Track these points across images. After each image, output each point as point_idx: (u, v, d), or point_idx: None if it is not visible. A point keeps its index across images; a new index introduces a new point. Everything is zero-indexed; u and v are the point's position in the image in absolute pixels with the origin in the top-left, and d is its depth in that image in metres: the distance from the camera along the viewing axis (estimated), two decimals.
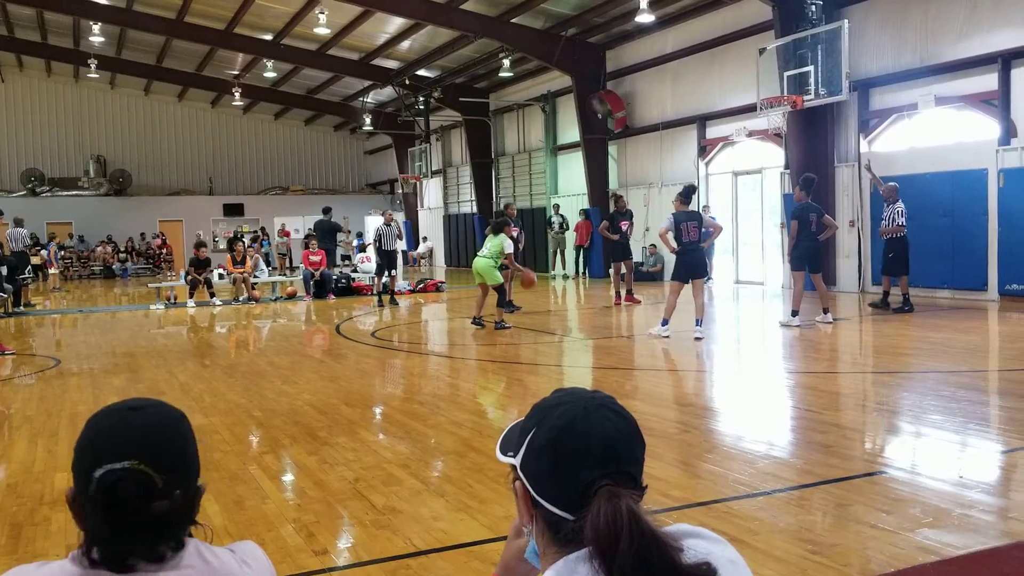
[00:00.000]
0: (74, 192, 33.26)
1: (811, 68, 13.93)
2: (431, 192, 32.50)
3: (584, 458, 1.14)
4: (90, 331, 13.40)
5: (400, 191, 33.98)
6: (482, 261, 11.63)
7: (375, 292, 16.77)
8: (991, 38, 12.65)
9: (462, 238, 29.40)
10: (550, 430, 1.18)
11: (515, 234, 14.10)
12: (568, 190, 23.35)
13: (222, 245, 30.54)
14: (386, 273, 16.39)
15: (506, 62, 21.78)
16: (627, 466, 1.15)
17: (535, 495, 1.18)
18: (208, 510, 4.19)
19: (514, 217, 14.61)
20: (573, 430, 1.16)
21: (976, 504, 3.99)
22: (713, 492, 4.37)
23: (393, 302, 16.19)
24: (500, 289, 11.81)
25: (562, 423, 1.18)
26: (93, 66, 27.75)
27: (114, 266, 30.87)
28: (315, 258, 18.12)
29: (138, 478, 1.25)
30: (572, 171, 23.05)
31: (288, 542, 3.82)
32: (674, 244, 10.16)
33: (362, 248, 21.01)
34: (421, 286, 19.30)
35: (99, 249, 31.37)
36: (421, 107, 27.47)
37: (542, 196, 24.38)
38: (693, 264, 10.07)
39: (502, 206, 15.23)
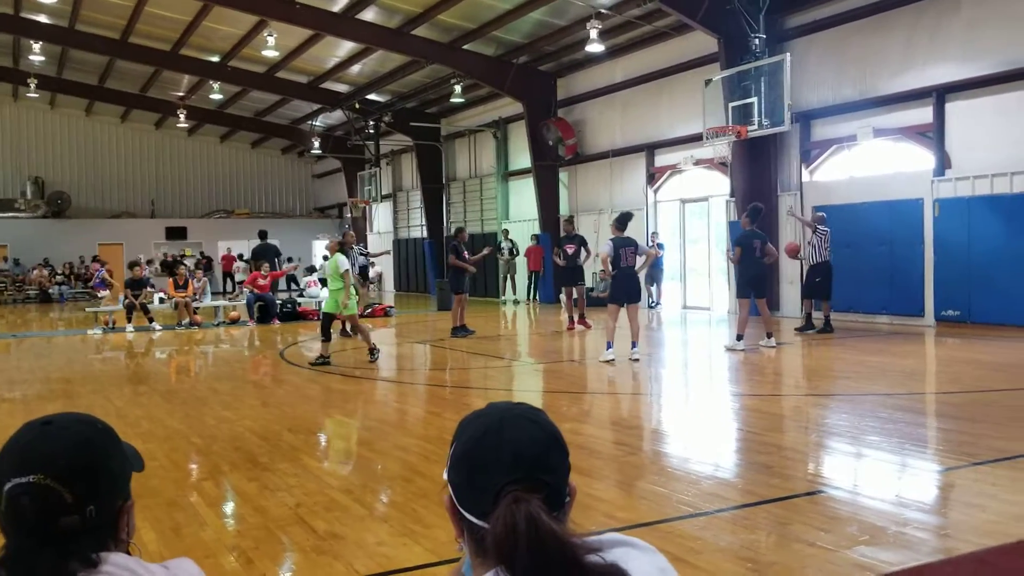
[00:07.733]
0: (10, 214, 32.28)
1: (755, 99, 14.29)
2: (381, 217, 32.34)
3: (495, 466, 1.14)
4: (23, 356, 12.96)
5: (349, 215, 33.75)
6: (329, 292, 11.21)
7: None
8: (926, 72, 13.13)
9: (412, 263, 29.27)
10: (466, 441, 1.19)
11: (467, 256, 14.16)
12: (519, 216, 23.45)
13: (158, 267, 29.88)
14: None
15: (457, 88, 21.88)
16: (540, 473, 1.15)
17: (458, 507, 1.18)
18: (144, 537, 4.06)
19: (465, 242, 14.64)
20: (486, 440, 1.17)
21: (912, 522, 4.07)
22: (657, 512, 4.38)
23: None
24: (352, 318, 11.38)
25: (477, 434, 1.19)
26: (33, 85, 27.15)
27: (51, 290, 29.97)
28: (263, 281, 17.85)
29: (42, 492, 1.22)
30: (523, 197, 23.17)
31: (227, 569, 3.72)
32: (610, 268, 10.35)
33: (309, 271, 20.70)
34: (369, 311, 19.15)
35: (35, 272, 30.44)
36: (371, 131, 27.40)
37: (493, 222, 24.44)
38: (629, 288, 10.31)
39: (453, 231, 15.24)
